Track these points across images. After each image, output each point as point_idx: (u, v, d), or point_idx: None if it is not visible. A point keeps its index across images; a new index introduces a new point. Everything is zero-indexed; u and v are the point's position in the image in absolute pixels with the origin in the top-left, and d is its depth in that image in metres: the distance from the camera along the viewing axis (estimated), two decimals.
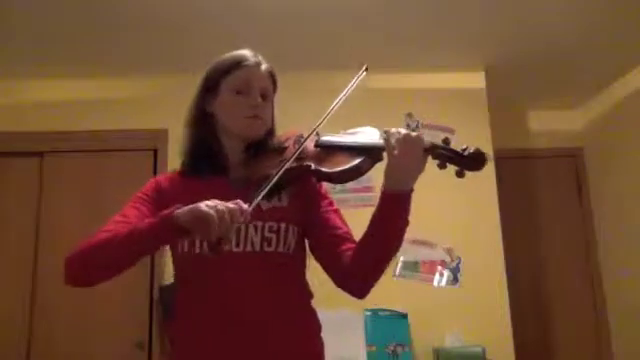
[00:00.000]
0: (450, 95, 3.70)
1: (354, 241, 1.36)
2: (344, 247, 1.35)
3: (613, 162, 4.02)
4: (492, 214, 3.52)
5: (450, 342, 3.26)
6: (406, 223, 1.27)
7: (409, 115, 3.67)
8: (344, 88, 1.45)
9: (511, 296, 3.42)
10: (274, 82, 1.48)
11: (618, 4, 3.01)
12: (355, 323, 3.14)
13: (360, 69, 1.45)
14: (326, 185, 1.47)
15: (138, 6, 2.91)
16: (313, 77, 3.55)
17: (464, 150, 1.19)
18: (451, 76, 3.73)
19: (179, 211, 1.16)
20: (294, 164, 1.31)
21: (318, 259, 1.41)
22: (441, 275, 3.45)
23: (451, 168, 1.21)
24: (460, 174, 1.20)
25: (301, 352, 1.33)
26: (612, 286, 4.02)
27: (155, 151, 3.56)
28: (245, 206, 1.13)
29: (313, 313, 1.41)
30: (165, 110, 3.56)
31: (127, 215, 1.34)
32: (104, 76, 3.63)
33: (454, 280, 3.44)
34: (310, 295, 1.43)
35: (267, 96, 1.44)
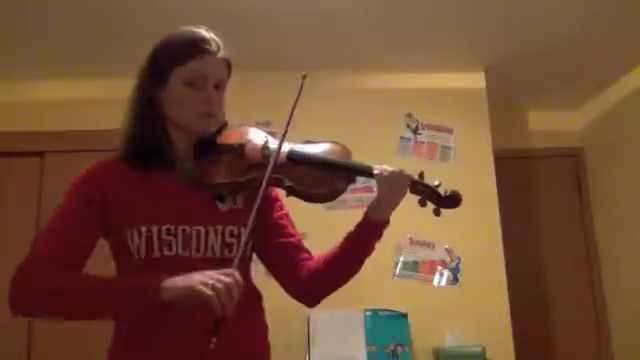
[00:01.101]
0: (450, 95, 3.70)
1: (307, 250, 1.38)
2: (301, 257, 1.36)
3: (613, 162, 4.02)
4: (492, 214, 3.52)
5: (450, 342, 3.26)
6: (373, 249, 1.34)
7: (409, 115, 3.66)
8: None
9: (511, 296, 3.42)
10: (229, 70, 1.35)
11: (618, 4, 3.01)
12: (355, 323, 3.14)
13: (301, 78, 1.38)
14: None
15: (138, 6, 2.92)
16: (313, 77, 3.53)
17: (438, 187, 1.30)
18: (451, 76, 3.73)
19: (168, 284, 1.06)
20: (263, 173, 1.23)
21: (269, 265, 1.39)
22: (441, 275, 3.45)
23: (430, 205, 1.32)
24: (437, 212, 1.32)
25: (252, 353, 1.31)
26: (612, 286, 4.02)
27: None
28: (239, 276, 1.06)
29: (263, 318, 1.39)
30: None
31: (71, 226, 1.23)
32: (105, 76, 3.62)
33: (454, 280, 3.44)
34: (261, 297, 1.40)
35: (222, 87, 1.33)
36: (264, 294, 1.42)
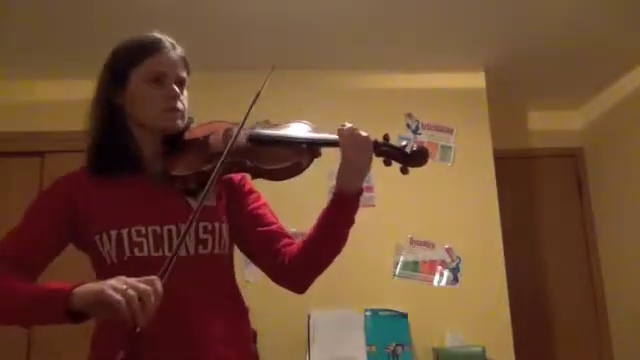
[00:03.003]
0: (450, 95, 3.70)
1: (289, 235, 1.34)
2: (282, 243, 1.32)
3: (613, 162, 4.02)
4: (492, 214, 3.52)
5: (450, 342, 3.26)
6: (352, 222, 1.26)
7: (409, 115, 3.67)
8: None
9: (511, 296, 3.42)
10: (187, 67, 1.35)
11: (618, 4, 3.01)
12: (355, 323, 3.14)
13: (270, 69, 1.35)
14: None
15: (138, 6, 2.92)
16: (313, 77, 3.55)
17: (406, 146, 1.21)
18: (451, 76, 3.73)
19: (79, 290, 1.02)
20: (228, 160, 1.21)
21: (252, 256, 1.37)
22: (441, 275, 3.45)
23: (396, 165, 1.23)
24: (404, 171, 1.22)
25: (232, 356, 1.27)
26: (612, 286, 4.02)
27: None
28: (159, 286, 0.98)
29: (245, 314, 1.37)
30: None
31: (29, 230, 1.23)
32: None
33: (454, 280, 3.44)
34: (241, 294, 1.38)
35: (182, 84, 1.33)
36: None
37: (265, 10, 2.99)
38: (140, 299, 0.95)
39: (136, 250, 1.22)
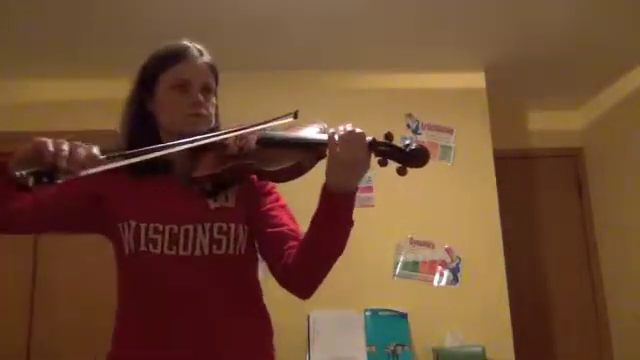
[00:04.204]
0: (450, 95, 3.70)
1: (299, 239, 1.29)
2: (287, 245, 1.29)
3: (613, 162, 4.02)
4: (492, 214, 3.52)
5: (450, 342, 3.25)
6: (350, 224, 1.20)
7: (409, 115, 3.67)
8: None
9: (511, 296, 3.42)
10: (215, 75, 1.39)
11: (618, 4, 3.01)
12: (355, 323, 3.14)
13: (291, 113, 1.34)
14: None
15: (138, 6, 2.91)
16: (313, 77, 3.55)
17: (406, 146, 1.13)
18: (451, 76, 3.73)
19: (16, 155, 1.13)
20: (235, 162, 1.24)
21: (263, 258, 1.36)
22: (441, 275, 3.45)
23: (392, 165, 1.14)
24: (402, 171, 1.14)
25: (248, 356, 1.29)
26: (612, 286, 4.02)
27: None
28: (97, 152, 1.08)
29: (264, 317, 1.37)
30: None
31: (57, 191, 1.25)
32: (104, 76, 3.62)
33: (454, 280, 3.44)
34: (261, 296, 1.38)
35: (209, 91, 1.36)
36: (264, 294, 1.41)
37: (264, 10, 2.99)
38: (70, 153, 1.05)
39: (150, 246, 1.25)
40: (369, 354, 3.09)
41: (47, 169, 1.01)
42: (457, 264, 3.46)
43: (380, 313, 3.20)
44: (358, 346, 3.09)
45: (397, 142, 1.15)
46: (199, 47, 1.38)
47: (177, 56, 1.34)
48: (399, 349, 3.15)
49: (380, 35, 3.32)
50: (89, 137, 4.02)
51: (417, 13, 3.09)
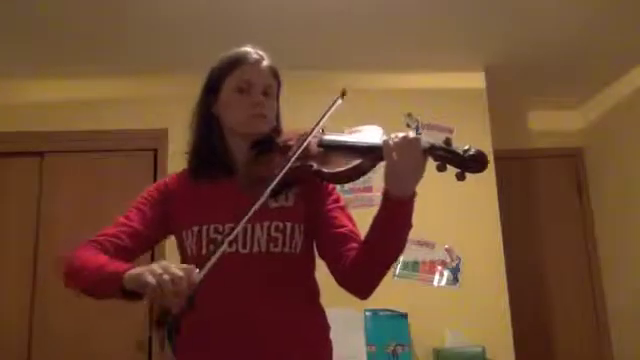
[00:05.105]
0: (450, 95, 3.70)
1: (357, 240, 1.33)
2: (347, 246, 1.32)
3: (613, 162, 4.02)
4: (492, 214, 3.52)
5: (450, 342, 3.26)
6: (408, 227, 1.24)
7: (409, 115, 3.67)
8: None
9: (511, 296, 3.42)
10: (277, 79, 1.46)
11: (618, 4, 3.01)
12: (355, 323, 3.14)
13: (340, 94, 1.40)
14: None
15: (138, 6, 2.91)
16: (313, 77, 3.54)
17: (465, 151, 1.14)
18: (451, 76, 3.73)
19: (128, 273, 1.15)
20: (297, 164, 1.29)
21: (322, 258, 1.40)
22: (441, 275, 3.45)
23: (451, 170, 1.16)
24: (461, 176, 1.15)
25: (307, 353, 1.33)
26: (612, 286, 4.02)
27: (155, 151, 3.55)
28: (195, 274, 1.09)
29: (320, 313, 1.43)
30: (165, 110, 3.56)
31: (131, 218, 1.36)
32: (104, 76, 3.63)
33: (454, 280, 3.44)
34: (317, 294, 1.43)
35: (270, 93, 1.43)
36: (319, 292, 1.43)
37: (264, 10, 2.99)
38: (173, 283, 1.05)
39: (211, 246, 1.29)
40: (369, 354, 3.09)
41: (167, 311, 1.09)
42: (457, 264, 3.46)
43: (380, 313, 3.20)
44: (358, 346, 3.09)
45: (456, 147, 1.16)
46: (261, 52, 1.46)
47: (240, 61, 1.42)
48: (399, 349, 3.15)
49: (380, 35, 3.32)
50: (89, 137, 4.02)
51: (417, 13, 3.09)
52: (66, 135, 3.55)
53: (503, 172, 3.67)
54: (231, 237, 1.19)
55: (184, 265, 1.10)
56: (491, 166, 3.54)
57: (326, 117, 1.37)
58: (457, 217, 3.49)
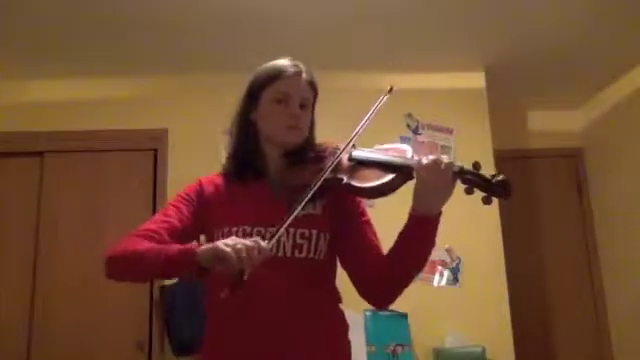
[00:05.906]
0: (450, 95, 3.70)
1: (382, 254, 1.40)
2: (371, 259, 1.40)
3: (613, 162, 4.02)
4: (492, 214, 3.51)
5: (450, 342, 3.26)
6: (432, 244, 1.33)
7: (409, 115, 3.67)
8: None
9: (511, 296, 3.42)
10: (314, 91, 1.52)
11: (618, 4, 3.01)
12: (355, 323, 3.10)
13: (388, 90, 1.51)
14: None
15: (138, 6, 2.91)
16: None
17: (493, 177, 1.22)
18: (451, 76, 3.73)
19: (200, 249, 1.21)
20: (329, 176, 1.34)
21: (345, 268, 1.46)
22: (441, 275, 3.45)
23: (478, 194, 1.23)
24: (487, 200, 1.23)
25: (329, 352, 1.38)
26: (612, 286, 4.02)
27: (155, 151, 3.54)
28: (263, 244, 1.17)
29: (340, 316, 1.46)
30: (165, 110, 3.57)
31: (169, 215, 1.42)
32: (104, 76, 3.63)
33: (454, 280, 3.44)
34: (338, 300, 1.47)
35: (306, 105, 1.48)
36: (341, 298, 1.46)
37: (264, 10, 2.99)
38: (247, 251, 1.14)
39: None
40: (369, 354, 3.09)
41: (238, 273, 1.15)
42: (457, 264, 3.46)
43: (380, 313, 3.20)
44: (358, 346, 3.08)
45: (484, 172, 1.23)
46: (301, 66, 1.50)
47: (279, 73, 1.46)
48: (399, 349, 3.15)
49: (380, 35, 3.32)
50: (89, 137, 4.03)
51: (417, 13, 3.09)
52: (66, 135, 3.55)
53: (503, 172, 3.63)
54: (274, 240, 1.24)
55: (251, 238, 1.18)
56: (491, 166, 3.57)
57: (373, 114, 1.46)
58: (457, 217, 3.46)
